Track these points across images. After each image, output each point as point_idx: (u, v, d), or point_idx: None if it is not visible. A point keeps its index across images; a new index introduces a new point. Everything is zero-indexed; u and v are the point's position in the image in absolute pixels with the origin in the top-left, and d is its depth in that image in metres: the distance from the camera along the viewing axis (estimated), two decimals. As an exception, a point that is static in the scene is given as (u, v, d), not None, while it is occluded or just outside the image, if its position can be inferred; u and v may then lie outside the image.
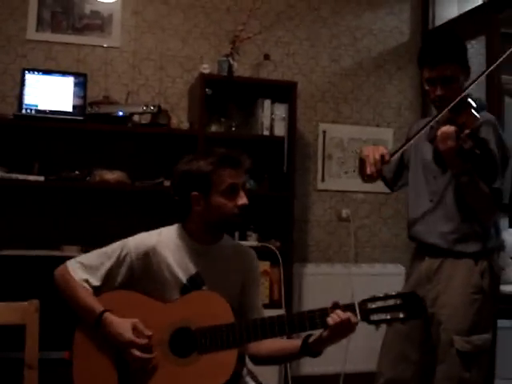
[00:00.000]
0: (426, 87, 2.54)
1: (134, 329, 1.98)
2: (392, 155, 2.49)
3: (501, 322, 3.57)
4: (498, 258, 2.59)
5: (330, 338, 1.91)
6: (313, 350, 1.96)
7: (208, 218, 2.10)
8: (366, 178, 2.53)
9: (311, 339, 1.97)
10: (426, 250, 2.60)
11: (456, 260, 2.50)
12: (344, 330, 1.88)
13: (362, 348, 3.80)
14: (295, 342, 2.03)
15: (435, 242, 2.53)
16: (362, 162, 2.55)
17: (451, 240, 2.50)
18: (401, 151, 2.52)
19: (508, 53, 2.40)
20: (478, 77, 2.44)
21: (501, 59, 2.44)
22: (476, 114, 2.28)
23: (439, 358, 2.49)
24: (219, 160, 2.06)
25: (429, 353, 2.56)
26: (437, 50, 2.49)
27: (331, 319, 1.87)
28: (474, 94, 2.46)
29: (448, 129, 2.27)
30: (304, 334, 2.00)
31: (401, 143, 2.62)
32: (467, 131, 2.23)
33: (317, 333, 1.95)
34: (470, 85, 2.42)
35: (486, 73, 2.47)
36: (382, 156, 2.45)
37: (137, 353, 1.95)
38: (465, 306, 2.45)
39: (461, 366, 2.43)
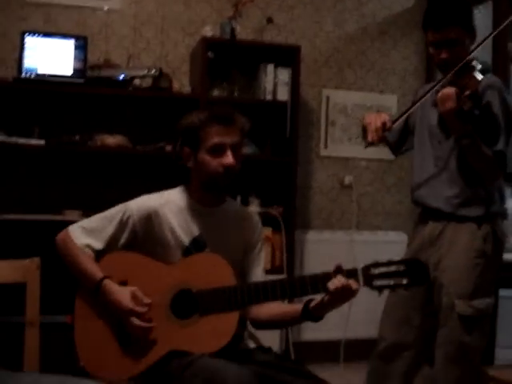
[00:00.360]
0: (431, 51, 2.51)
1: (133, 297, 1.97)
2: (394, 122, 2.48)
3: (502, 291, 3.56)
4: (501, 223, 2.58)
5: (330, 302, 1.89)
6: (314, 314, 1.95)
7: (198, 176, 2.09)
8: (368, 145, 2.53)
9: (312, 304, 1.95)
10: (430, 214, 2.58)
11: (459, 224, 2.48)
12: (345, 295, 1.86)
13: (363, 314, 3.81)
14: (296, 307, 2.02)
15: (439, 206, 2.52)
16: (365, 129, 2.55)
17: (455, 204, 2.48)
18: (403, 118, 2.51)
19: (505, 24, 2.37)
20: (483, 40, 2.40)
21: (506, 22, 2.41)
22: (479, 76, 2.26)
23: (441, 322, 2.50)
24: (209, 116, 2.04)
25: (431, 316, 2.55)
26: (441, 13, 2.45)
27: (332, 284, 1.85)
28: (480, 59, 2.42)
29: (448, 90, 2.26)
30: (305, 298, 1.99)
31: (405, 109, 2.59)
32: (467, 92, 2.21)
33: (318, 297, 1.94)
34: (475, 49, 2.38)
35: (491, 36, 2.43)
36: (384, 123, 2.46)
37: (136, 321, 1.95)
38: (467, 269, 2.45)
39: (462, 329, 2.43)
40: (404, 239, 4.12)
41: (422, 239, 2.61)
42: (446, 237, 2.52)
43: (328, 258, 4.01)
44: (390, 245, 4.21)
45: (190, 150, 2.07)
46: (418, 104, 2.47)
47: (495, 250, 2.52)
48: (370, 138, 2.48)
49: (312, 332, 4.03)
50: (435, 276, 2.51)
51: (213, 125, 2.03)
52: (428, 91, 2.45)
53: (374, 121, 2.48)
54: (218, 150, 2.03)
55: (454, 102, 2.22)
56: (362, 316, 3.91)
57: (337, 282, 1.85)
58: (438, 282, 2.50)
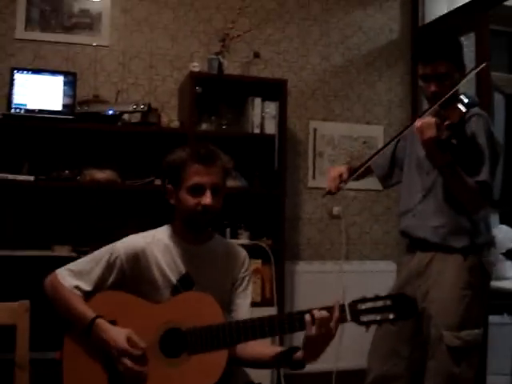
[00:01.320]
0: (421, 83, 2.56)
1: (129, 339, 1.96)
2: (351, 175, 2.71)
3: (492, 318, 3.59)
4: (488, 253, 2.61)
5: (308, 339, 1.87)
6: (294, 358, 1.94)
7: (179, 213, 2.11)
8: (325, 194, 2.79)
9: (296, 350, 1.95)
10: (417, 244, 2.61)
11: (446, 255, 2.51)
12: (323, 330, 1.85)
13: (355, 345, 3.78)
14: (277, 349, 2.04)
15: (425, 237, 2.55)
16: None
17: (441, 234, 2.51)
18: (363, 167, 2.69)
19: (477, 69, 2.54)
20: (467, 73, 2.47)
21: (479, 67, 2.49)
22: (462, 108, 2.30)
23: (429, 354, 2.51)
24: (190, 155, 2.06)
25: (419, 348, 2.57)
26: (431, 47, 2.50)
27: (308, 316, 1.86)
28: (467, 91, 2.48)
29: (428, 119, 2.30)
30: (287, 347, 2.00)
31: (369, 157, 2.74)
32: (447, 122, 2.26)
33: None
34: (460, 83, 2.43)
35: (476, 71, 2.50)
36: (340, 175, 2.71)
37: (129, 362, 1.94)
38: (454, 301, 2.46)
39: (451, 361, 2.44)
40: (393, 268, 4.15)
41: (409, 270, 2.63)
42: (433, 268, 2.54)
43: (318, 289, 4.08)
44: (379, 274, 4.23)
45: (173, 187, 2.10)
46: (384, 149, 2.62)
47: (482, 281, 2.54)
48: (327, 187, 2.75)
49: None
50: (423, 307, 2.52)
51: (193, 164, 2.05)
52: (407, 127, 2.49)
53: (332, 172, 2.74)
54: (197, 190, 2.04)
55: (432, 130, 2.26)
56: (353, 346, 3.89)
57: (317, 312, 1.86)
58: (426, 313, 2.52)
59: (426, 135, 2.29)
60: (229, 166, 2.12)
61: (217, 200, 2.07)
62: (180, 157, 2.07)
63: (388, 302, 1.89)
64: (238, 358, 2.10)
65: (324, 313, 1.86)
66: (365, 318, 1.88)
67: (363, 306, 1.89)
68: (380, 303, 1.89)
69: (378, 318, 1.88)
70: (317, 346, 1.88)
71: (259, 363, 2.14)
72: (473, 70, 2.50)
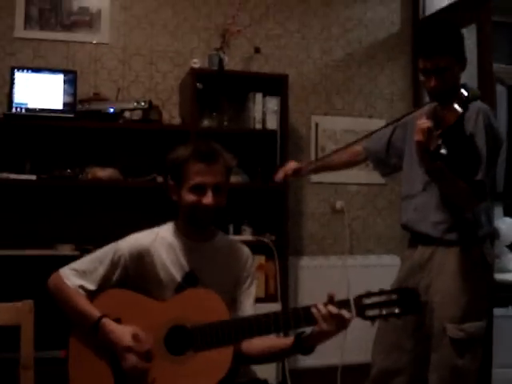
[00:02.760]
0: (421, 77, 2.53)
1: (134, 336, 1.96)
2: (302, 173, 2.99)
3: (497, 311, 3.58)
4: (490, 246, 2.61)
5: (321, 332, 1.89)
6: (304, 345, 1.95)
7: (181, 210, 2.11)
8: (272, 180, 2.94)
9: (304, 335, 1.96)
10: (419, 238, 2.60)
11: (447, 248, 2.50)
12: (337, 325, 1.87)
13: (359, 340, 3.78)
14: (287, 339, 2.03)
15: (427, 231, 2.54)
16: None
17: (442, 229, 2.50)
18: (313, 167, 3.04)
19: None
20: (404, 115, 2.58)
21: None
22: (459, 108, 2.25)
23: (433, 346, 2.51)
24: (192, 153, 2.05)
25: (422, 341, 2.56)
26: (432, 41, 2.46)
27: (317, 312, 1.87)
28: (467, 83, 2.45)
29: (422, 123, 2.20)
30: (296, 332, 1.99)
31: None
32: (438, 131, 2.19)
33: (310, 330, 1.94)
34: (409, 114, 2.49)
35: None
36: (296, 170, 2.88)
37: (134, 360, 1.94)
38: (457, 293, 2.46)
39: (454, 353, 2.44)
40: (397, 262, 4.12)
41: (412, 263, 2.62)
42: (435, 261, 2.53)
43: (322, 284, 4.07)
44: (383, 268, 4.22)
45: (175, 184, 2.10)
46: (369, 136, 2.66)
47: (484, 273, 2.54)
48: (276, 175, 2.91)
49: (308, 358, 3.93)
50: (426, 300, 2.51)
51: (195, 163, 2.04)
52: (394, 121, 2.52)
53: (289, 164, 2.92)
54: (199, 189, 2.04)
55: (423, 136, 2.18)
56: (358, 341, 3.89)
57: (323, 309, 1.85)
58: (428, 306, 2.51)
59: (416, 138, 2.22)
60: (231, 163, 2.11)
61: (219, 198, 2.06)
62: (182, 154, 2.06)
63: (393, 297, 1.88)
64: (244, 355, 2.09)
65: (332, 308, 1.86)
66: (370, 313, 1.88)
67: (368, 301, 1.89)
68: (385, 297, 1.89)
69: (384, 312, 1.88)
70: (327, 336, 1.90)
71: (268, 356, 2.14)
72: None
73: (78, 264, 2.12)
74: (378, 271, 4.19)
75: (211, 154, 2.06)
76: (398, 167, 2.79)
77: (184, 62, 4.07)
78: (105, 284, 2.08)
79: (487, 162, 2.37)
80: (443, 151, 2.17)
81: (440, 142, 2.17)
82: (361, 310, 1.88)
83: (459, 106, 2.25)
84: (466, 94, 2.28)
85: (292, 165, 2.89)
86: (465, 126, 2.31)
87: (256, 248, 2.32)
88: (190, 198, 2.04)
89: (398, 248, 4.37)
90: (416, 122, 2.25)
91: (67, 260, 2.17)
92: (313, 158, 4.38)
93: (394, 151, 2.78)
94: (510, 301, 3.96)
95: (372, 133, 2.65)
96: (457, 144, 2.22)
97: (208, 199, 2.03)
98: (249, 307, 2.17)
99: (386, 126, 2.64)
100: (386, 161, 2.83)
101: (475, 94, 2.37)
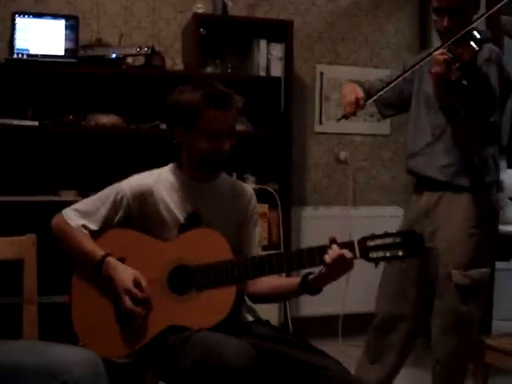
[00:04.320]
0: (434, 17, 2.49)
1: (136, 281, 1.97)
2: (367, 99, 2.50)
3: (498, 264, 3.59)
4: (496, 193, 2.60)
5: (328, 274, 1.91)
6: (312, 287, 1.97)
7: (190, 154, 2.08)
8: (340, 118, 2.56)
9: (311, 276, 1.97)
10: (425, 183, 2.59)
11: (454, 194, 2.49)
12: (342, 266, 1.88)
13: (361, 289, 3.83)
14: (294, 280, 2.04)
15: (434, 176, 2.52)
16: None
17: (450, 173, 2.48)
18: (378, 95, 2.51)
19: None
20: (484, 14, 2.42)
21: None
22: (475, 46, 2.24)
23: (437, 292, 2.52)
24: (206, 98, 1.98)
25: (426, 288, 2.58)
26: None
27: (328, 256, 1.87)
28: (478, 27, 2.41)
29: (439, 55, 2.24)
30: (303, 272, 2.00)
31: (385, 83, 2.56)
32: (458, 63, 2.20)
33: (316, 271, 1.95)
34: (476, 20, 2.36)
35: (495, 10, 2.44)
36: (357, 99, 2.49)
37: (129, 303, 1.95)
38: (463, 240, 2.46)
39: (459, 299, 2.45)
40: (400, 213, 4.09)
41: (417, 210, 2.61)
42: (441, 207, 2.53)
43: (325, 234, 4.00)
44: (386, 219, 4.21)
45: (183, 129, 2.05)
46: (400, 78, 2.46)
47: (491, 220, 2.54)
48: (341, 112, 2.54)
49: (310, 307, 4.05)
50: (431, 246, 2.51)
51: (210, 109, 1.98)
52: (420, 60, 2.41)
53: (349, 95, 2.51)
54: (214, 136, 2.00)
55: (443, 67, 2.21)
56: (359, 291, 3.93)
57: (332, 252, 1.86)
58: (433, 252, 2.51)
59: (434, 70, 2.24)
60: (241, 105, 2.07)
61: (232, 142, 2.05)
62: (193, 99, 1.99)
63: (397, 239, 1.89)
64: (251, 293, 2.12)
65: (339, 250, 1.87)
66: (374, 255, 1.88)
67: (372, 243, 1.89)
68: (389, 240, 1.89)
69: (388, 254, 1.88)
70: (335, 277, 1.91)
71: (276, 296, 2.17)
72: (493, 9, 2.44)
73: (80, 205, 2.13)
74: (381, 222, 4.14)
75: (226, 99, 2.00)
76: (399, 108, 2.76)
77: (187, 7, 4.00)
78: (107, 224, 2.08)
79: (501, 103, 2.37)
80: (464, 82, 2.17)
81: (460, 73, 2.17)
82: (364, 252, 1.89)
83: (475, 43, 2.23)
84: (478, 35, 2.26)
85: (354, 97, 2.51)
86: (478, 66, 2.29)
87: (259, 196, 2.32)
88: (205, 144, 2.01)
89: (402, 199, 4.37)
90: (426, 66, 2.25)
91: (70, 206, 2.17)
92: (317, 108, 4.35)
93: (401, 93, 2.74)
94: (511, 253, 3.97)
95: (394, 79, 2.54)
96: (473, 81, 2.21)
97: (225, 145, 2.02)
98: (255, 247, 2.18)
99: (410, 69, 2.49)
100: (391, 101, 2.77)
101: (488, 36, 2.35)
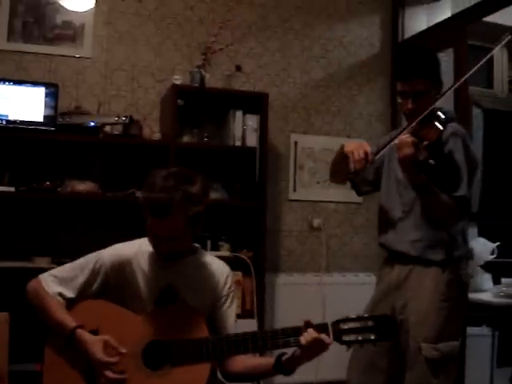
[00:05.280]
0: (399, 100, 2.59)
1: (106, 346, 1.97)
2: (375, 154, 2.46)
3: (470, 330, 3.62)
4: (466, 266, 2.64)
5: (302, 356, 1.94)
6: (286, 367, 1.98)
7: None
8: (351, 175, 2.49)
9: (284, 357, 1.99)
10: (396, 257, 2.64)
11: (424, 268, 2.54)
12: (317, 349, 1.91)
13: (334, 357, 3.77)
14: (268, 360, 2.05)
15: (404, 250, 2.57)
16: (344, 159, 2.50)
17: (420, 247, 2.54)
18: (382, 152, 2.48)
19: (473, 70, 2.44)
20: (444, 92, 2.50)
21: (466, 76, 2.49)
22: (440, 126, 2.32)
23: (408, 365, 2.53)
24: (144, 205, 1.97)
25: (398, 360, 2.59)
26: (409, 65, 2.54)
27: (304, 339, 1.90)
28: (445, 106, 2.51)
29: (406, 138, 2.32)
30: (277, 353, 2.02)
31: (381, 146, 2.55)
32: (425, 143, 2.28)
33: (290, 351, 1.98)
34: (437, 100, 2.46)
35: (453, 88, 2.54)
36: (366, 154, 2.42)
37: (109, 374, 1.94)
38: (432, 313, 2.49)
39: (429, 372, 2.46)
40: (373, 280, 4.14)
41: (388, 282, 2.65)
42: (411, 280, 2.56)
43: (299, 301, 4.10)
44: (359, 286, 4.25)
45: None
46: (390, 146, 2.47)
47: (460, 293, 2.57)
48: (353, 168, 2.43)
49: (283, 376, 4.00)
50: (402, 319, 2.55)
51: (147, 214, 1.96)
52: (394, 138, 2.46)
53: (357, 150, 2.43)
54: (154, 237, 2.02)
55: (410, 149, 2.28)
56: (333, 358, 3.87)
57: (308, 336, 1.89)
58: (404, 325, 2.54)
59: (403, 153, 2.31)
60: (192, 210, 1.96)
61: (174, 244, 2.03)
62: (141, 198, 2.01)
63: (370, 323, 1.92)
64: (225, 372, 2.12)
65: (314, 333, 1.89)
66: (347, 338, 1.92)
67: (346, 326, 1.93)
68: (362, 323, 1.93)
69: (360, 338, 1.92)
70: (308, 359, 1.95)
71: (250, 375, 2.15)
72: (450, 87, 2.54)
73: (58, 271, 2.13)
74: (354, 289, 4.23)
75: (163, 208, 1.91)
76: (375, 186, 2.82)
77: (166, 78, 4.10)
78: (84, 292, 2.09)
79: (467, 178, 2.44)
80: (432, 161, 2.24)
81: (427, 153, 2.25)
82: (338, 335, 1.92)
83: (440, 124, 2.32)
84: (443, 116, 2.35)
85: (362, 153, 2.41)
86: (443, 145, 2.39)
87: (233, 264, 2.34)
88: (149, 239, 2.05)
89: (374, 266, 4.40)
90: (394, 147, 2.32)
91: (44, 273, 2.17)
92: (291, 176, 4.43)
93: (373, 170, 2.81)
94: (483, 320, 4.01)
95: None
96: (439, 160, 2.29)
97: (162, 248, 2.04)
98: (231, 325, 2.15)
99: (387, 144, 2.49)
100: (370, 178, 2.80)
101: (452, 115, 2.44)
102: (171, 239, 2.00)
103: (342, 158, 2.57)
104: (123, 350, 1.97)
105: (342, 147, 2.56)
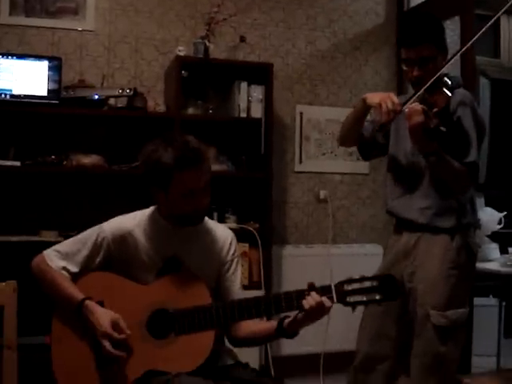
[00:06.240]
0: (404, 67, 2.56)
1: (114, 323, 1.97)
2: (403, 105, 2.38)
3: (477, 300, 3.63)
4: (474, 234, 2.64)
5: (304, 319, 1.94)
6: (288, 331, 1.99)
7: (169, 210, 2.09)
8: (381, 127, 2.43)
9: (287, 320, 1.99)
10: (404, 225, 2.63)
11: (433, 235, 2.53)
12: (319, 312, 1.91)
13: (342, 327, 3.84)
14: (271, 324, 2.06)
15: (413, 218, 2.57)
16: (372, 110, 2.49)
17: (428, 215, 2.53)
18: (408, 104, 2.36)
19: (480, 33, 2.40)
20: (451, 58, 2.47)
21: (473, 40, 2.44)
22: (448, 92, 2.31)
23: (416, 333, 2.54)
24: (179, 161, 1.95)
25: (406, 328, 2.60)
26: (414, 31, 2.51)
27: (306, 302, 1.90)
28: (451, 74, 2.48)
29: (415, 106, 2.30)
30: (279, 316, 2.03)
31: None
32: (435, 110, 2.26)
33: (292, 314, 1.98)
34: (444, 66, 2.43)
35: (460, 53, 2.50)
36: (394, 104, 2.36)
37: (108, 346, 1.96)
38: (441, 280, 2.49)
39: (437, 340, 2.47)
40: (380, 251, 4.17)
41: (396, 250, 2.65)
42: (420, 248, 2.57)
43: (305, 273, 4.10)
44: (366, 257, 4.25)
45: (158, 189, 2.04)
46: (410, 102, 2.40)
47: (468, 261, 2.57)
48: (384, 120, 2.38)
49: (291, 346, 4.02)
50: (410, 287, 2.55)
51: (184, 171, 1.96)
52: (404, 103, 2.40)
53: (385, 101, 2.36)
54: (191, 195, 2.00)
55: (420, 117, 2.26)
56: (340, 329, 3.94)
57: (311, 299, 1.89)
58: (412, 293, 2.55)
59: (413, 121, 2.29)
60: (212, 155, 2.09)
61: (209, 195, 2.06)
62: (166, 162, 1.96)
63: (374, 283, 1.92)
64: (230, 337, 2.14)
65: (316, 296, 1.89)
66: (351, 299, 1.92)
67: (349, 287, 1.92)
68: (366, 284, 1.92)
69: (364, 298, 1.92)
70: (310, 320, 1.94)
71: (255, 340, 2.19)
72: (457, 52, 2.51)
73: (61, 246, 2.14)
74: (361, 260, 4.22)
75: (197, 157, 1.98)
76: (383, 150, 2.79)
77: (169, 49, 4.06)
78: (88, 266, 2.10)
79: (476, 144, 2.42)
80: (443, 128, 2.22)
81: (438, 120, 2.22)
82: (342, 296, 1.92)
83: (447, 90, 2.29)
84: (450, 82, 2.33)
85: (390, 104, 2.35)
86: (451, 111, 2.37)
87: (240, 236, 2.34)
88: (183, 205, 2.02)
89: (381, 237, 4.42)
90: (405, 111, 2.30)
91: (51, 246, 2.18)
92: (297, 147, 4.41)
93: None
94: (490, 290, 4.02)
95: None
96: (448, 126, 2.27)
97: (204, 201, 2.03)
98: (237, 290, 2.18)
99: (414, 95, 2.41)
100: (373, 143, 2.79)
101: (458, 80, 2.41)
102: (205, 190, 2.02)
103: (364, 112, 2.57)
104: (128, 332, 1.98)
105: (364, 101, 2.53)
